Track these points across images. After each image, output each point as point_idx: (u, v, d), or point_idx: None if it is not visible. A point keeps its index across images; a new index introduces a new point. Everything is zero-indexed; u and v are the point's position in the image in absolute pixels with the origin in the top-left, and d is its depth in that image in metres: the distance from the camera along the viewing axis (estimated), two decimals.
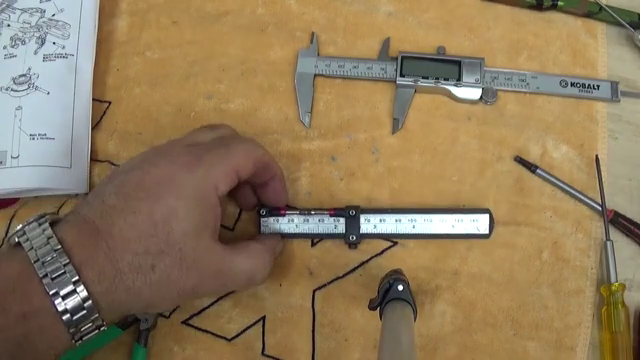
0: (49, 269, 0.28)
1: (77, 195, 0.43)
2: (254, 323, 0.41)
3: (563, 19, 0.46)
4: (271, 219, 0.41)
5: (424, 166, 0.43)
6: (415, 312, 0.33)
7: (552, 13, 0.46)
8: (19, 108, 0.42)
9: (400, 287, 0.34)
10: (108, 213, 0.30)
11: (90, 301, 0.29)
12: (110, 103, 0.46)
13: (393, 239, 0.42)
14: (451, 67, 0.44)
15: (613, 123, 0.44)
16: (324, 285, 0.41)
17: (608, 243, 0.40)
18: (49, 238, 0.29)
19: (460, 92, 0.44)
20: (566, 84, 0.44)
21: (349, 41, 0.46)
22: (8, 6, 0.46)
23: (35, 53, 0.44)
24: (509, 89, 0.44)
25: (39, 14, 0.45)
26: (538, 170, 0.42)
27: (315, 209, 0.41)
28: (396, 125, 0.44)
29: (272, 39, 0.46)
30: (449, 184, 0.43)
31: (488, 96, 0.44)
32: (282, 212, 0.41)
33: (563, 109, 0.44)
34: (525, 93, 0.45)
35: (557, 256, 0.41)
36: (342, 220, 0.41)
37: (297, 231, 0.41)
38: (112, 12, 0.48)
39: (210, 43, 0.47)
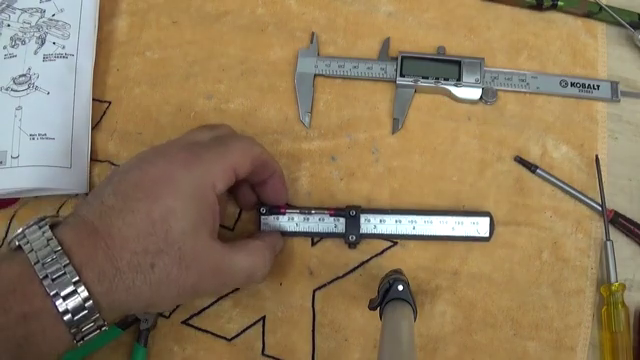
0: (49, 270, 0.28)
1: (77, 195, 0.43)
2: (254, 323, 0.41)
3: (563, 19, 0.46)
4: (271, 217, 0.41)
5: (424, 166, 0.43)
6: (415, 312, 0.33)
7: (552, 13, 0.46)
8: (19, 108, 0.42)
9: (400, 287, 0.34)
10: (107, 213, 0.30)
11: (91, 301, 0.29)
12: (110, 103, 0.46)
13: (393, 239, 0.42)
14: (451, 67, 0.44)
15: (613, 123, 0.44)
16: (324, 285, 0.41)
17: (608, 243, 0.40)
18: (49, 240, 0.29)
19: (460, 92, 0.44)
20: (566, 84, 0.44)
21: (349, 41, 0.46)
22: (8, 6, 0.46)
23: (35, 53, 0.44)
24: (509, 89, 0.44)
25: (39, 14, 0.45)
26: (538, 170, 0.42)
27: (315, 208, 0.41)
28: (396, 125, 0.44)
29: (272, 39, 0.46)
30: (449, 184, 0.43)
31: (488, 96, 0.44)
32: (282, 210, 0.41)
33: (563, 109, 0.44)
34: (525, 93, 0.45)
35: (557, 256, 0.41)
36: (342, 220, 0.41)
37: (297, 229, 0.41)
38: (112, 12, 0.48)
39: (210, 43, 0.47)
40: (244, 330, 0.41)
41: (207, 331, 0.41)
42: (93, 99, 0.45)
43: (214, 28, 0.47)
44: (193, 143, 0.34)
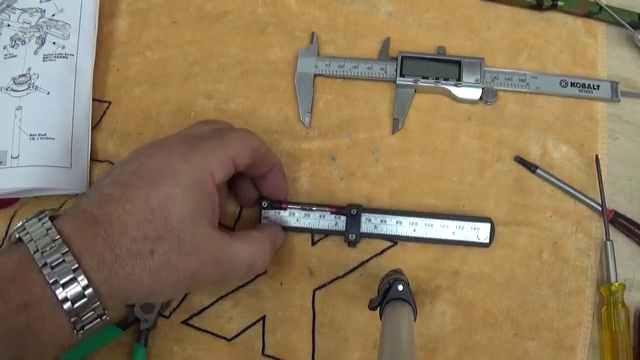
0: (49, 259, 0.28)
1: (77, 195, 0.43)
2: (254, 323, 0.41)
3: (563, 19, 0.46)
4: (272, 212, 0.41)
5: (424, 166, 0.43)
6: (415, 312, 0.33)
7: (552, 13, 0.46)
8: (19, 108, 0.42)
9: (400, 287, 0.34)
10: (106, 202, 0.30)
11: (90, 289, 0.29)
12: (110, 103, 0.46)
13: (393, 239, 0.42)
14: (451, 67, 0.44)
15: (613, 123, 0.44)
16: (324, 285, 0.41)
17: (608, 243, 0.40)
18: (48, 230, 0.29)
19: (460, 92, 0.44)
20: (566, 84, 0.44)
21: (349, 41, 0.46)
22: (8, 6, 0.46)
23: (35, 53, 0.44)
24: (509, 89, 0.44)
25: (39, 14, 0.45)
26: (538, 170, 0.42)
27: (317, 205, 0.41)
28: (396, 125, 0.44)
29: (272, 39, 0.47)
30: (449, 184, 0.43)
31: (488, 96, 0.44)
32: (283, 205, 0.41)
33: (563, 109, 0.44)
34: (525, 93, 0.45)
35: (557, 256, 0.41)
36: (343, 218, 0.41)
37: (297, 225, 0.41)
38: (112, 12, 0.48)
39: (210, 43, 0.47)
40: (244, 330, 0.41)
41: (207, 331, 0.41)
42: (93, 99, 0.45)
43: (214, 28, 0.47)
44: (192, 135, 0.35)
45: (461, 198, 0.42)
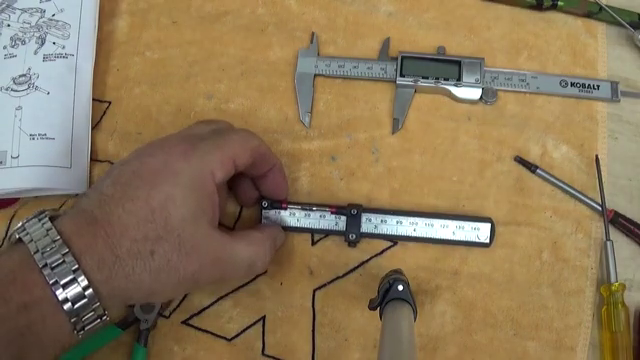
0: (49, 260, 0.28)
1: (77, 195, 0.43)
2: (254, 323, 0.41)
3: (563, 19, 0.46)
4: (272, 211, 0.41)
5: (424, 166, 0.43)
6: (415, 312, 0.33)
7: (552, 13, 0.46)
8: (19, 108, 0.42)
9: (400, 287, 0.34)
10: (106, 202, 0.30)
11: (90, 289, 0.29)
12: (110, 103, 0.46)
13: (393, 239, 0.42)
14: (451, 67, 0.44)
15: (613, 123, 0.44)
16: (324, 285, 0.41)
17: (608, 243, 0.40)
18: (48, 230, 0.29)
19: (460, 92, 0.44)
20: (566, 84, 0.44)
21: (349, 41, 0.46)
22: (8, 6, 0.46)
23: (35, 53, 0.44)
24: (509, 89, 0.44)
25: (39, 14, 0.45)
26: (538, 170, 0.42)
27: (317, 205, 0.41)
28: (396, 125, 0.44)
29: (272, 39, 0.47)
30: (449, 184, 0.43)
31: (488, 96, 0.44)
32: (284, 205, 0.41)
33: (563, 109, 0.44)
34: (525, 93, 0.45)
35: (557, 256, 0.41)
36: (343, 218, 0.41)
37: (298, 225, 0.41)
38: (112, 12, 0.48)
39: (210, 43, 0.47)
40: (244, 330, 0.41)
41: (207, 331, 0.41)
42: (93, 99, 0.45)
43: (214, 28, 0.47)
44: (192, 135, 0.35)
45: (461, 198, 0.42)
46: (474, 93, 0.44)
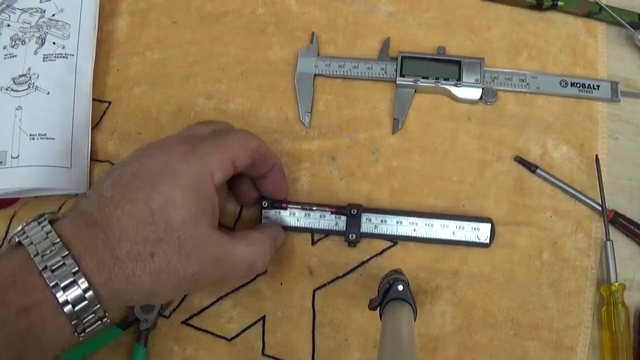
0: (49, 262, 0.28)
1: (77, 195, 0.43)
2: (254, 323, 0.41)
3: (563, 19, 0.46)
4: (272, 211, 0.41)
5: (424, 166, 0.43)
6: (415, 312, 0.33)
7: (552, 13, 0.46)
8: (19, 108, 0.42)
9: (400, 287, 0.34)
10: (106, 204, 0.30)
11: (91, 292, 0.29)
12: (110, 103, 0.46)
13: (393, 239, 0.42)
14: (451, 67, 0.44)
15: (613, 123, 0.44)
16: (324, 285, 0.41)
17: (608, 243, 0.40)
18: (48, 233, 0.29)
19: (460, 92, 0.44)
20: (566, 84, 0.44)
21: (349, 41, 0.46)
22: (8, 6, 0.46)
23: (35, 53, 0.44)
24: (509, 89, 0.44)
25: (39, 14, 0.45)
26: (538, 170, 0.42)
27: (317, 205, 0.41)
28: (396, 125, 0.44)
29: (272, 39, 0.47)
30: (449, 184, 0.43)
31: (488, 96, 0.44)
32: (284, 205, 0.41)
33: (563, 109, 0.44)
34: (525, 93, 0.45)
35: (557, 256, 0.41)
36: (343, 218, 0.41)
37: (298, 225, 0.41)
38: (112, 12, 0.48)
39: (210, 43, 0.47)
40: (244, 330, 0.41)
41: (207, 331, 0.41)
42: (93, 99, 0.45)
43: (214, 28, 0.47)
44: (191, 136, 0.35)
45: (461, 198, 0.42)
46: (474, 93, 0.44)
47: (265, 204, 0.41)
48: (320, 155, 0.44)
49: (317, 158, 0.44)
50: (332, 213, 0.41)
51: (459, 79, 0.44)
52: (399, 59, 0.44)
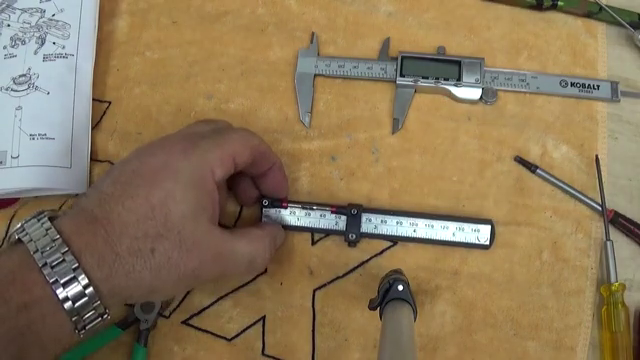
0: (49, 259, 0.28)
1: (77, 195, 0.43)
2: (254, 323, 0.41)
3: (563, 19, 0.46)
4: (273, 210, 0.41)
5: (424, 166, 0.43)
6: (415, 312, 0.33)
7: (552, 13, 0.46)
8: (19, 108, 0.42)
9: (400, 287, 0.34)
10: (106, 201, 0.30)
11: (91, 288, 0.29)
12: (110, 103, 0.46)
13: (393, 240, 0.42)
14: (451, 67, 0.44)
15: (613, 123, 0.44)
16: (324, 285, 0.41)
17: (608, 243, 0.40)
18: (48, 230, 0.29)
19: (460, 92, 0.44)
20: (566, 84, 0.44)
21: (349, 41, 0.46)
22: (8, 6, 0.46)
23: (35, 53, 0.44)
24: (509, 89, 0.44)
25: (39, 14, 0.45)
26: (538, 170, 0.42)
27: (317, 204, 0.41)
28: (396, 125, 0.44)
29: (272, 39, 0.47)
30: (449, 184, 0.43)
31: (488, 96, 0.44)
32: (284, 204, 0.41)
33: (563, 109, 0.44)
34: (525, 93, 0.45)
35: (557, 256, 0.41)
36: (343, 218, 0.41)
37: (298, 224, 0.41)
38: (112, 12, 0.48)
39: (210, 43, 0.47)
40: (244, 330, 0.41)
41: (207, 331, 0.41)
42: (93, 99, 0.45)
43: (214, 28, 0.47)
44: (192, 134, 0.35)
45: (461, 198, 0.42)
46: (474, 93, 0.44)
47: (266, 202, 0.41)
48: (320, 155, 0.44)
49: (317, 158, 0.44)
50: (332, 212, 0.41)
51: (459, 79, 0.44)
52: (399, 59, 0.44)
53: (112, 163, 0.44)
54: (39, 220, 0.30)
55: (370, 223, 0.41)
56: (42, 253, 0.28)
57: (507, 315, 0.40)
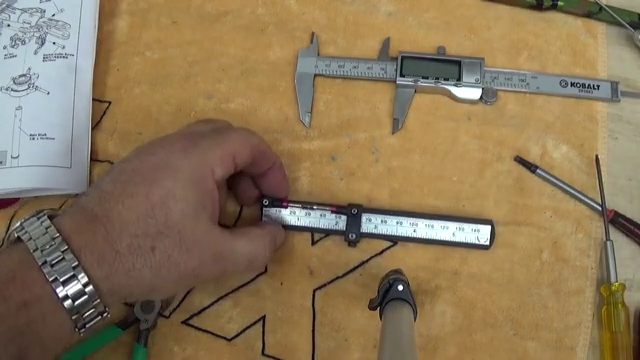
0: (48, 257, 0.28)
1: (77, 195, 0.43)
2: (254, 323, 0.41)
3: (563, 19, 0.46)
4: (273, 210, 0.41)
5: (424, 166, 0.43)
6: (415, 312, 0.33)
7: (552, 13, 0.46)
8: (19, 108, 0.42)
9: (400, 287, 0.34)
10: (106, 199, 0.30)
11: (91, 286, 0.29)
12: (110, 103, 0.46)
13: (393, 240, 0.42)
14: (451, 67, 0.44)
15: (613, 123, 0.44)
16: (324, 285, 0.41)
17: (608, 243, 0.40)
18: (47, 228, 0.29)
19: (460, 92, 0.44)
20: (566, 84, 0.44)
21: (349, 41, 0.46)
22: (8, 6, 0.46)
23: (35, 53, 0.44)
24: (509, 89, 0.44)
25: (39, 14, 0.45)
26: (538, 170, 0.42)
27: (317, 204, 0.41)
28: (396, 125, 0.44)
29: (272, 39, 0.47)
30: (449, 184, 0.43)
31: (488, 96, 0.44)
32: (284, 204, 0.41)
33: (563, 109, 0.44)
34: (525, 93, 0.45)
35: (557, 256, 0.41)
36: (344, 217, 0.41)
37: (298, 224, 0.41)
38: (112, 12, 0.48)
39: (210, 43, 0.47)
40: (244, 330, 0.41)
41: (207, 331, 0.41)
42: (93, 99, 0.45)
43: (214, 28, 0.47)
44: (192, 133, 0.35)
45: (461, 198, 0.42)
46: (474, 93, 0.44)
47: (266, 202, 0.41)
48: (320, 155, 0.44)
49: (317, 158, 0.44)
50: (333, 212, 0.41)
51: (459, 79, 0.44)
52: (399, 59, 0.44)
53: (112, 163, 0.44)
54: (39, 219, 0.30)
55: (370, 223, 0.41)
56: (42, 251, 0.28)
57: (507, 315, 0.40)
